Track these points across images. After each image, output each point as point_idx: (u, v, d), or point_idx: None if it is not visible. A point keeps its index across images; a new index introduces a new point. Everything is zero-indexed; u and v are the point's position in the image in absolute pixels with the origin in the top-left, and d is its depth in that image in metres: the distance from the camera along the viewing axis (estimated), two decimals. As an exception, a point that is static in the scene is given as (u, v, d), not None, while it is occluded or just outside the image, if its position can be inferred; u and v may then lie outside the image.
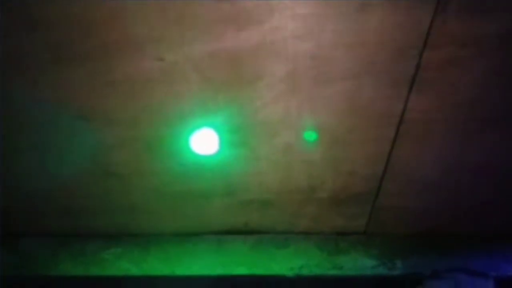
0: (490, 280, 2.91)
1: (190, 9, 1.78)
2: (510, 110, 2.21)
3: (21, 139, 2.33)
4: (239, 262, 3.01)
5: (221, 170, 2.55)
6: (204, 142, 2.35)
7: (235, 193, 2.75)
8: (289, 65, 1.97)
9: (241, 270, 2.99)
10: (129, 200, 2.78)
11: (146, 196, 2.75)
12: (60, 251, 3.04)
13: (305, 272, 2.97)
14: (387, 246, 3.06)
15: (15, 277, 3.04)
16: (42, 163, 2.47)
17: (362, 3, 1.76)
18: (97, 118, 2.22)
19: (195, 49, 1.91)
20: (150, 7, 1.77)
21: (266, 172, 2.59)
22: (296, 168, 2.55)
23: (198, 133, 2.31)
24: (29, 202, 2.76)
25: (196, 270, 2.98)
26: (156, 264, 3.00)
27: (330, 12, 1.78)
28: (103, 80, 2.04)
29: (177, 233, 3.05)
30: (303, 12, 1.78)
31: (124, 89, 2.08)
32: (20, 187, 2.64)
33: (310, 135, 2.31)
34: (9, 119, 2.22)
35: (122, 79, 2.04)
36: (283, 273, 2.97)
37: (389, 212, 2.93)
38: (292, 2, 1.74)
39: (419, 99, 2.13)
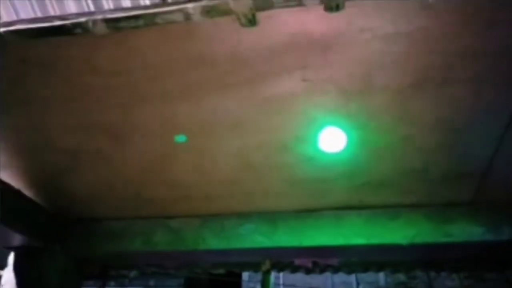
0: None
1: (335, 39, 2.12)
2: None
3: (184, 145, 2.85)
4: (357, 233, 3.45)
5: (344, 160, 2.94)
6: (334, 139, 2.74)
7: (353, 177, 3.15)
8: (418, 74, 2.27)
9: (359, 240, 3.43)
10: (262, 186, 3.29)
11: (276, 183, 3.23)
12: (203, 229, 3.66)
13: (418, 240, 3.34)
14: (494, 214, 3.32)
15: (168, 253, 3.73)
16: (198, 162, 3.01)
17: (488, 21, 1.99)
18: (247, 127, 2.68)
19: (335, 70, 2.27)
20: (300, 41, 2.14)
21: (384, 159, 2.94)
22: (412, 155, 2.88)
23: (329, 132, 2.70)
24: (182, 191, 3.36)
25: (320, 241, 3.46)
26: (284, 237, 3.53)
27: (457, 31, 2.04)
28: (255, 99, 2.47)
29: (300, 210, 3.53)
30: (434, 33, 2.05)
31: (272, 104, 2.50)
32: (178, 179, 3.21)
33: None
34: (177, 130, 2.74)
35: (271, 97, 2.45)
36: (398, 242, 3.36)
37: (496, 185, 3.17)
38: (425, 26, 2.02)
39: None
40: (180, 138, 2.72)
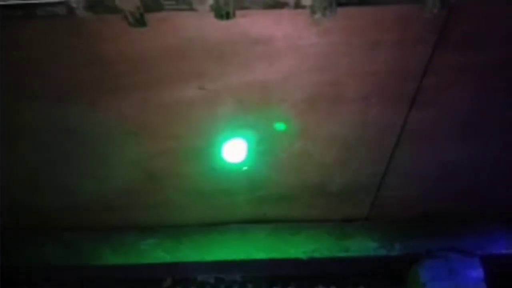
0: (477, 258, 3.38)
1: (230, 48, 2.13)
2: (492, 119, 2.62)
3: (77, 151, 2.68)
4: (259, 247, 3.45)
5: (246, 172, 2.95)
6: (234, 150, 2.73)
7: (256, 190, 3.16)
8: (310, 90, 2.35)
9: (260, 254, 3.43)
10: (165, 197, 3.18)
11: (179, 194, 3.15)
12: (101, 243, 3.44)
13: (317, 255, 3.42)
14: (387, 230, 3.51)
15: (61, 267, 3.45)
16: (93, 169, 2.84)
17: (374, 42, 2.12)
18: (144, 133, 2.59)
19: (232, 80, 2.28)
20: (195, 47, 2.12)
21: (284, 172, 2.99)
22: (310, 169, 2.96)
23: (229, 143, 2.70)
24: (76, 200, 3.13)
25: (223, 256, 3.41)
26: (188, 252, 3.43)
27: (346, 50, 2.15)
28: (152, 104, 2.40)
29: (204, 224, 3.46)
30: (324, 50, 2.15)
31: (169, 111, 2.45)
32: (71, 187, 3.00)
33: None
34: (69, 134, 2.57)
35: (168, 103, 2.40)
36: (298, 256, 3.41)
37: (389, 201, 3.35)
38: (316, 43, 2.10)
39: (418, 114, 2.53)
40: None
